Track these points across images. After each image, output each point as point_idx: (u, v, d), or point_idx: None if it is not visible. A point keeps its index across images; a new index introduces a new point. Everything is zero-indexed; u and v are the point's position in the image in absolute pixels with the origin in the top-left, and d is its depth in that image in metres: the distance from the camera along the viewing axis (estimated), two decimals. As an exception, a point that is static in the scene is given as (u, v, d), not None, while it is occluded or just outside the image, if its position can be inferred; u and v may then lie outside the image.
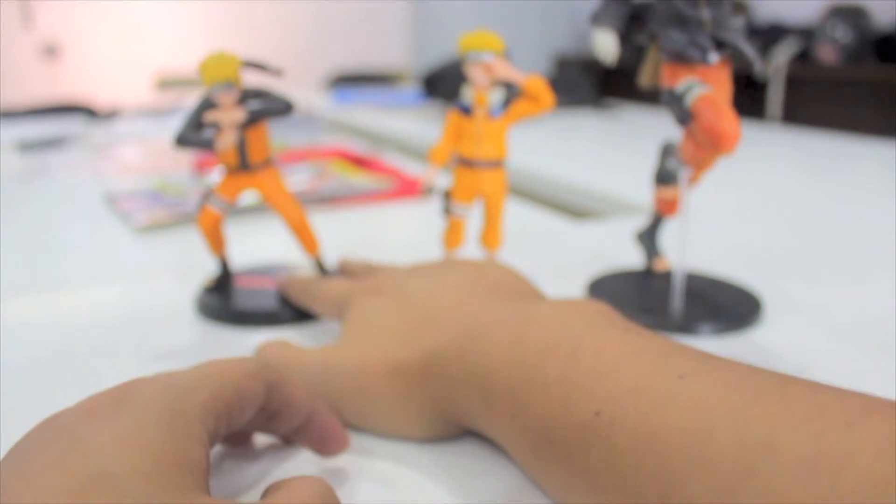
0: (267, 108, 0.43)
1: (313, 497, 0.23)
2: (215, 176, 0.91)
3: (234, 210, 0.46)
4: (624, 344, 0.26)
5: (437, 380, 0.30)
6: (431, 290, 0.35)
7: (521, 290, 0.36)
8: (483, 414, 0.28)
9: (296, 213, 0.47)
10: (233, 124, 0.42)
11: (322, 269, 0.49)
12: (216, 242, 0.48)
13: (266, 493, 0.24)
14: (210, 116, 0.42)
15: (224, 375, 0.26)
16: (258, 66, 0.43)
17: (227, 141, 0.42)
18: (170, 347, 0.45)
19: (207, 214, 0.46)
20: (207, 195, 0.46)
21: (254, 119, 0.43)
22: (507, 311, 0.30)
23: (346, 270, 0.49)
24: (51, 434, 0.23)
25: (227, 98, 0.42)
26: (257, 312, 0.47)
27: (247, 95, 0.43)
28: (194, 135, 0.42)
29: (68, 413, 0.25)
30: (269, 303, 0.48)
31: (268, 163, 0.46)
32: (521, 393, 0.26)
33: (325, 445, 0.30)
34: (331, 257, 0.52)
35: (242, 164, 0.44)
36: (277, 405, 0.28)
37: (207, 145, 0.42)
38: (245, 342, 0.44)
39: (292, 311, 0.47)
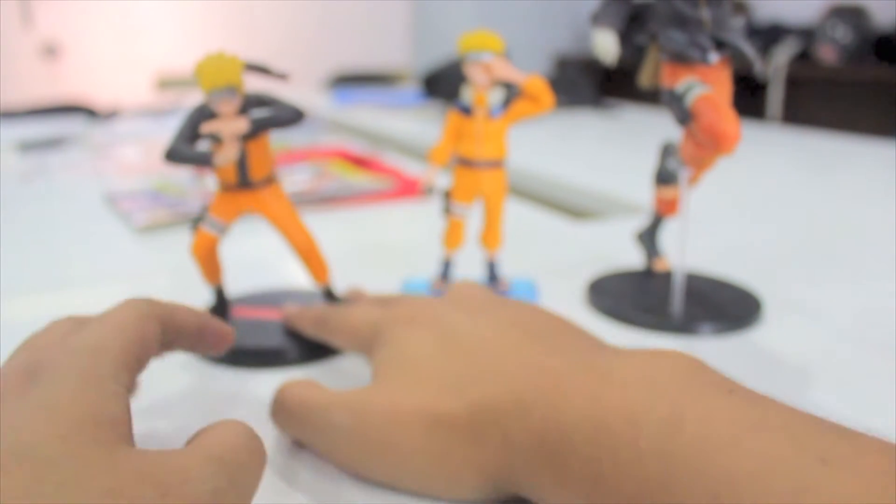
0: (274, 117, 0.38)
1: (237, 437, 0.24)
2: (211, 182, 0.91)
3: (229, 232, 0.41)
4: (734, 411, 0.22)
5: (488, 439, 0.25)
6: (480, 328, 0.30)
7: (579, 336, 0.31)
8: (549, 485, 0.24)
9: (303, 237, 0.42)
10: (234, 136, 0.37)
11: (333, 299, 0.44)
12: (211, 269, 0.43)
13: (191, 440, 0.24)
14: (208, 127, 0.37)
15: (125, 327, 0.27)
16: (262, 70, 0.39)
17: (228, 156, 0.37)
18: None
19: (202, 238, 0.41)
20: (201, 216, 0.41)
21: (258, 130, 0.38)
22: (578, 361, 0.26)
23: (357, 301, 0.43)
24: None
25: (227, 106, 0.37)
26: (261, 351, 0.41)
27: (249, 103, 0.38)
28: (188, 148, 0.37)
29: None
30: (274, 338, 0.42)
31: (271, 179, 0.41)
32: (606, 465, 0.22)
33: (217, 348, 0.34)
34: (332, 257, 0.52)
35: (242, 182, 0.39)
36: (173, 335, 0.31)
37: (204, 161, 0.37)
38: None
39: (301, 348, 0.41)
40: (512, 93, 0.46)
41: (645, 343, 0.45)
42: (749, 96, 2.34)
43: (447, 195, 0.49)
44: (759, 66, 0.42)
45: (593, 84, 1.61)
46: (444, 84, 1.50)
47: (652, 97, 0.50)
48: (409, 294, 0.41)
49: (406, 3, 3.58)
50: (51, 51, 3.12)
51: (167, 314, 0.30)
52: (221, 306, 0.45)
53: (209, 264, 0.43)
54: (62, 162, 1.08)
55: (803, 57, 2.32)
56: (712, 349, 0.44)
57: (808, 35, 2.31)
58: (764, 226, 0.73)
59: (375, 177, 0.90)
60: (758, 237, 0.68)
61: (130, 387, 0.25)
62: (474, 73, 0.45)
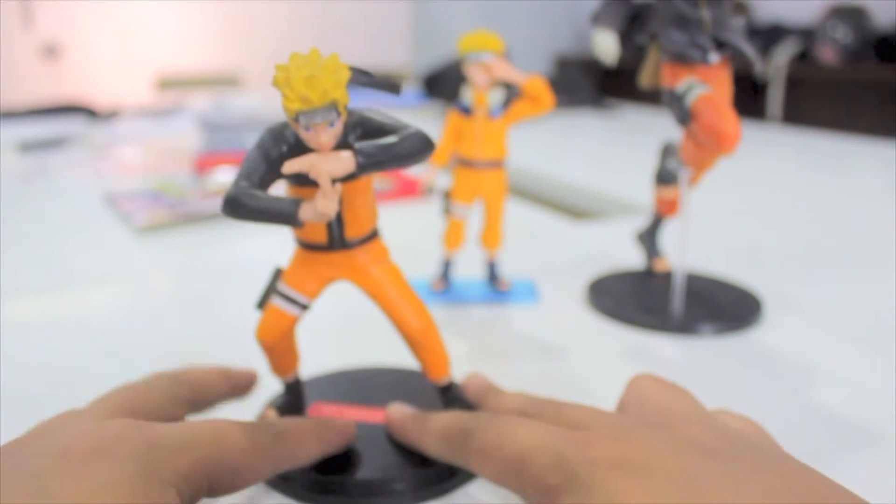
0: (393, 149, 0.26)
1: None
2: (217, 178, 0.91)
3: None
4: None
5: None
6: (748, 492, 0.21)
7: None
8: None
9: (417, 319, 0.30)
10: (332, 178, 0.26)
11: (452, 398, 0.32)
12: (284, 359, 0.31)
13: None
14: (295, 165, 0.26)
15: (214, 443, 0.23)
16: (368, 78, 0.28)
17: (323, 209, 0.26)
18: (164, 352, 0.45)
19: (274, 317, 0.30)
20: (273, 285, 0.30)
21: (369, 169, 0.26)
22: None
23: (485, 399, 0.32)
24: (17, 479, 0.20)
25: (325, 133, 0.26)
26: (358, 483, 0.29)
27: (348, 126, 0.27)
28: (258, 195, 0.26)
29: (41, 446, 0.22)
30: (376, 458, 0.30)
31: (373, 235, 0.30)
32: None
33: (246, 390, 0.35)
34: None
35: (335, 241, 0.29)
36: (202, 402, 0.31)
37: (285, 217, 0.26)
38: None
39: (416, 476, 0.29)
40: (512, 93, 0.46)
41: (645, 343, 0.45)
42: (749, 96, 2.34)
43: (447, 195, 0.49)
44: (759, 66, 0.42)
45: (593, 84, 1.61)
46: (444, 84, 1.50)
47: (652, 97, 0.50)
48: (575, 404, 0.28)
49: (406, 3, 3.58)
50: (51, 51, 3.12)
51: (190, 391, 0.30)
52: (295, 404, 0.33)
53: (282, 352, 0.31)
54: (62, 162, 1.08)
55: (803, 57, 2.32)
56: (712, 349, 0.44)
57: (808, 35, 2.31)
58: (764, 226, 0.73)
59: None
60: (758, 237, 0.68)
61: (189, 501, 0.22)
62: (474, 74, 0.45)
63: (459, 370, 0.42)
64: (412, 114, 1.57)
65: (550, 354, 0.43)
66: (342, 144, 0.27)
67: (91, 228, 0.74)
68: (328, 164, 0.26)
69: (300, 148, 0.27)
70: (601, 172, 0.98)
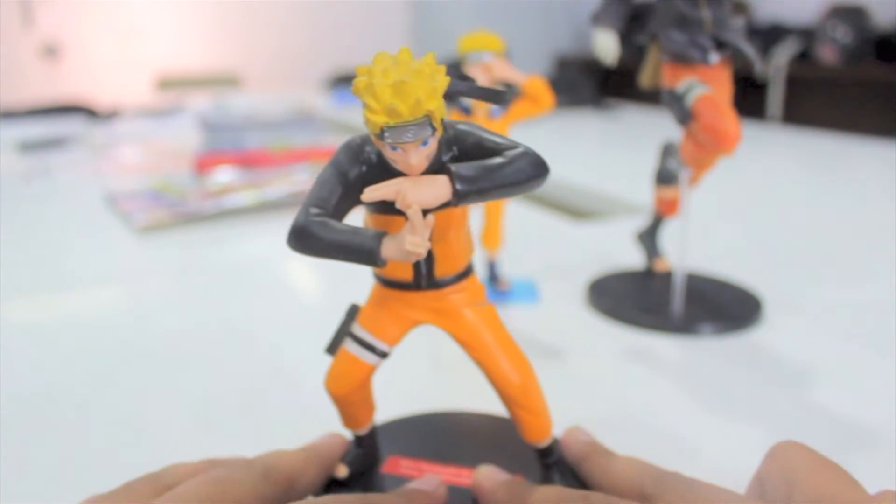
0: (500, 172, 0.22)
1: None
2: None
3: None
4: None
5: None
6: None
7: None
8: None
9: (515, 372, 0.26)
10: (423, 209, 0.22)
11: (551, 462, 0.28)
12: (359, 410, 0.28)
13: None
14: (378, 192, 0.22)
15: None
16: (468, 83, 0.24)
17: (417, 248, 0.21)
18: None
19: (351, 365, 0.26)
20: (348, 328, 0.26)
21: (470, 198, 0.22)
22: None
23: (590, 461, 0.27)
24: None
25: (416, 153, 0.21)
26: None
27: (446, 144, 0.23)
28: (332, 226, 0.22)
29: None
30: None
31: (468, 272, 0.26)
32: None
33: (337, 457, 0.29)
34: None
35: (423, 280, 0.25)
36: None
37: (365, 255, 0.22)
38: None
39: None
40: (512, 93, 0.46)
41: (645, 343, 0.45)
42: (749, 96, 2.34)
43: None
44: (759, 66, 0.42)
45: (593, 84, 1.61)
46: (444, 84, 1.50)
47: (652, 97, 0.50)
48: (705, 483, 0.23)
49: (406, 3, 3.58)
50: (51, 51, 3.12)
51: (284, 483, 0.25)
52: (368, 459, 0.29)
53: (356, 404, 0.27)
54: (62, 162, 1.08)
55: (803, 57, 2.32)
56: (712, 349, 0.44)
57: (808, 35, 2.31)
58: (764, 226, 0.72)
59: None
60: (758, 237, 0.68)
61: None
62: (474, 74, 0.45)
63: (460, 370, 0.42)
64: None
65: (550, 354, 0.43)
66: (435, 166, 0.22)
67: (91, 228, 0.74)
68: (419, 191, 0.21)
69: (383, 168, 0.22)
70: (601, 172, 0.98)
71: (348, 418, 0.28)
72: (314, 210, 0.22)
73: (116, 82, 3.21)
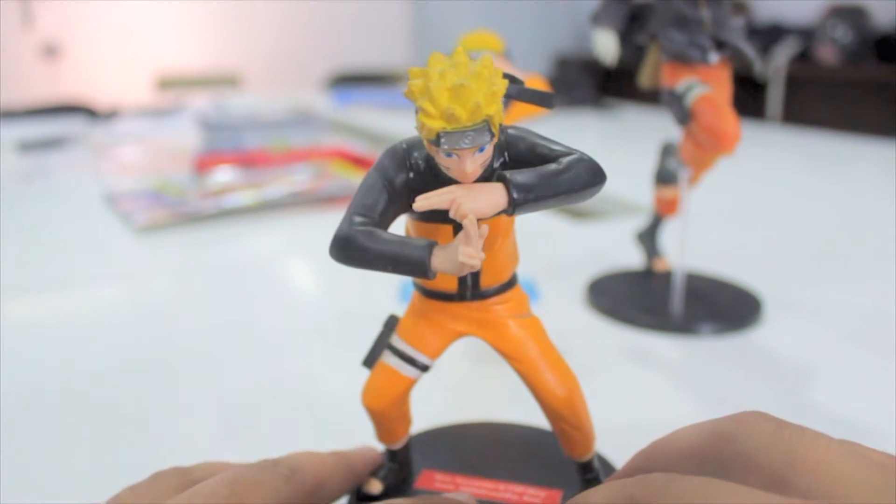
0: (562, 182, 0.21)
1: None
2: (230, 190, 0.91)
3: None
4: None
5: None
6: None
7: None
8: None
9: (561, 386, 0.25)
10: (477, 220, 0.21)
11: (592, 477, 0.27)
12: (396, 425, 0.27)
13: None
14: (433, 199, 0.21)
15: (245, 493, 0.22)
16: (521, 88, 0.23)
17: (472, 260, 0.20)
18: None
19: (390, 379, 0.25)
20: (386, 340, 0.25)
21: (525, 207, 0.21)
22: None
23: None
24: None
25: (471, 161, 0.21)
26: None
27: (497, 150, 0.22)
28: (378, 235, 0.21)
29: None
30: None
31: (513, 282, 0.25)
32: None
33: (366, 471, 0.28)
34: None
35: (468, 290, 0.24)
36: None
37: (416, 268, 0.21)
38: None
39: None
40: (512, 93, 0.46)
41: (645, 343, 0.45)
42: (749, 96, 2.34)
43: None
44: (758, 66, 0.42)
45: (593, 84, 1.61)
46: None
47: (652, 97, 0.50)
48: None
49: (406, 3, 3.58)
50: (51, 51, 3.12)
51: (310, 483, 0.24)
52: (402, 473, 0.28)
53: (393, 419, 0.26)
54: (62, 162, 1.08)
55: (803, 57, 2.32)
56: (712, 349, 0.44)
57: (808, 35, 2.31)
58: (764, 226, 0.72)
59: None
60: (758, 237, 0.68)
61: None
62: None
63: (459, 371, 0.42)
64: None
65: (550, 354, 0.43)
66: (486, 172, 0.21)
67: (91, 228, 0.74)
68: (475, 200, 0.20)
69: (431, 175, 0.21)
70: (601, 172, 0.98)
71: (384, 433, 0.27)
72: (358, 219, 0.21)
73: (116, 82, 3.21)
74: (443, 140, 0.20)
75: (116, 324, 0.50)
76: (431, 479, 0.28)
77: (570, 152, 0.22)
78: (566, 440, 0.26)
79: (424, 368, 0.25)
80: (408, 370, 0.25)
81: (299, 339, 0.47)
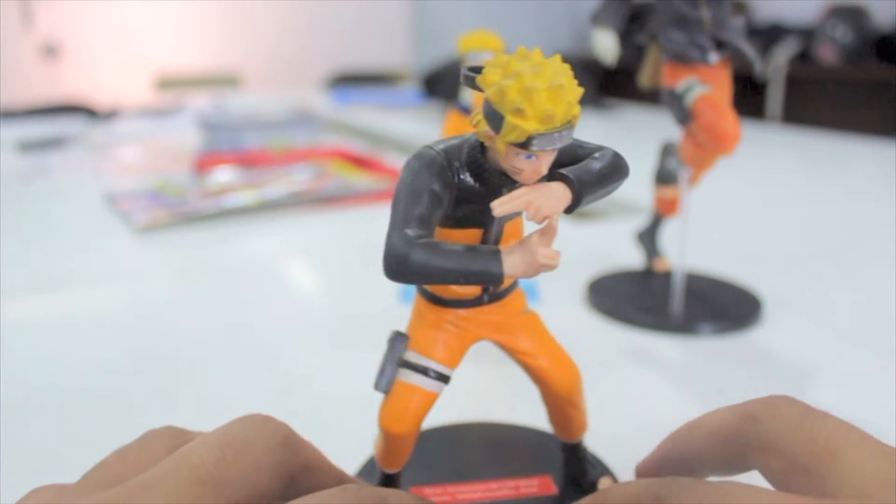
0: (607, 176, 0.22)
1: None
2: (229, 191, 0.91)
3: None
4: None
5: None
6: None
7: None
8: None
9: (570, 372, 0.26)
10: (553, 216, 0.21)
11: (578, 461, 0.28)
12: (410, 447, 0.25)
13: None
14: (511, 202, 0.20)
15: (241, 450, 0.21)
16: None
17: (554, 261, 0.21)
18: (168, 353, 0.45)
19: (414, 397, 0.24)
20: (398, 357, 0.24)
21: (583, 203, 0.22)
22: None
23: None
24: None
25: (547, 163, 0.21)
26: None
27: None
28: (446, 247, 0.20)
29: None
30: None
31: (516, 283, 0.26)
32: None
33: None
34: (332, 258, 0.52)
35: (486, 296, 0.24)
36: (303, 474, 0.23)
37: (490, 277, 0.20)
38: None
39: None
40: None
41: (645, 343, 0.45)
42: (749, 96, 2.34)
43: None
44: (758, 66, 0.42)
45: (593, 84, 1.61)
46: (443, 84, 1.50)
47: (652, 97, 0.50)
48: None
49: (406, 3, 3.58)
50: (51, 51, 3.12)
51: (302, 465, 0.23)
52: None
53: (412, 441, 0.25)
54: (62, 162, 1.08)
55: (803, 57, 2.32)
56: (712, 349, 0.44)
57: (808, 35, 2.32)
58: (764, 226, 0.72)
59: (375, 177, 0.90)
60: (757, 237, 0.68)
61: None
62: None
63: (459, 371, 0.42)
64: (412, 114, 1.57)
65: (550, 354, 0.43)
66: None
67: (91, 228, 0.74)
68: (549, 200, 0.20)
69: (474, 180, 0.21)
70: (601, 172, 0.98)
71: (396, 458, 0.25)
72: (411, 232, 0.20)
73: (116, 82, 3.21)
74: (535, 142, 0.19)
75: (116, 324, 0.50)
76: (424, 496, 0.28)
77: (600, 147, 0.23)
78: (567, 423, 0.27)
79: (446, 380, 0.24)
80: (431, 385, 0.24)
81: (299, 338, 0.47)
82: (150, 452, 0.23)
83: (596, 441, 0.31)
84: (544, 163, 0.20)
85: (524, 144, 0.19)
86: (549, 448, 0.30)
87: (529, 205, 0.20)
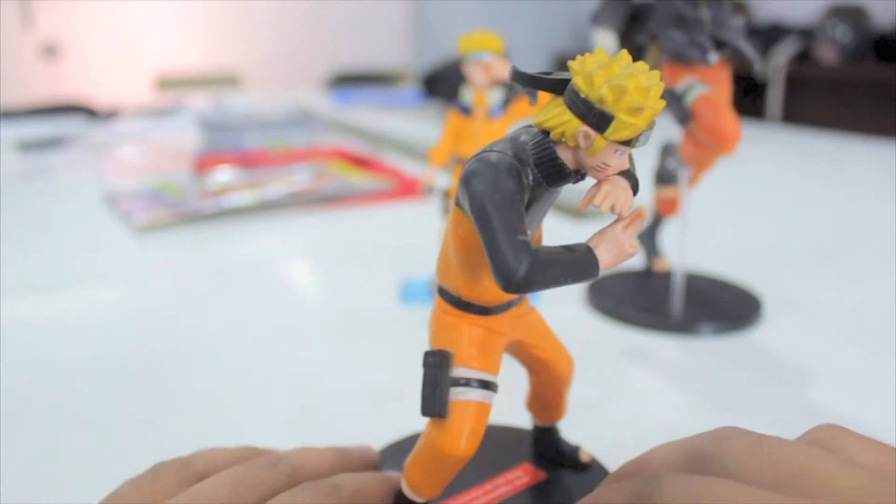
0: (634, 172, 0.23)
1: None
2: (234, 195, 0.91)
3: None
4: None
5: None
6: None
7: None
8: None
9: (569, 357, 0.28)
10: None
11: (554, 443, 0.29)
12: (450, 471, 0.24)
13: None
14: (597, 196, 0.21)
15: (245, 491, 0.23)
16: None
17: (636, 249, 0.22)
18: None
19: (480, 413, 0.23)
20: (450, 377, 0.23)
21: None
22: None
23: None
24: None
25: (626, 158, 0.21)
26: None
27: None
28: (548, 252, 0.20)
29: None
30: None
31: None
32: None
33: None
34: (332, 257, 0.52)
35: (517, 298, 0.25)
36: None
37: (592, 272, 0.21)
38: None
39: None
40: (511, 93, 0.46)
41: (644, 343, 0.45)
42: (749, 96, 2.34)
43: (447, 195, 0.49)
44: (758, 66, 0.42)
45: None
46: (443, 84, 1.50)
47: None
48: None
49: (406, 3, 3.58)
50: (51, 51, 3.12)
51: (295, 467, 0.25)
52: None
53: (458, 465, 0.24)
54: (62, 162, 1.08)
55: (803, 57, 2.32)
56: (712, 349, 0.44)
57: (808, 35, 2.31)
58: (764, 226, 0.73)
59: (375, 177, 0.90)
60: (758, 237, 0.68)
61: None
62: (474, 73, 0.45)
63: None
64: (412, 114, 1.57)
65: (550, 354, 0.43)
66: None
67: (91, 228, 0.74)
68: (627, 191, 0.21)
69: (542, 181, 0.21)
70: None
71: (443, 483, 0.24)
72: (521, 242, 0.20)
73: (116, 82, 3.21)
74: (640, 138, 0.20)
75: (116, 323, 0.50)
76: None
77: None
78: (560, 404, 0.28)
79: (497, 389, 0.24)
80: (489, 397, 0.23)
81: (299, 338, 0.47)
82: (162, 484, 0.24)
83: (596, 440, 0.31)
84: (627, 159, 0.21)
85: (629, 142, 0.20)
86: (510, 438, 0.31)
87: (617, 199, 0.21)
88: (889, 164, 1.02)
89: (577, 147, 0.21)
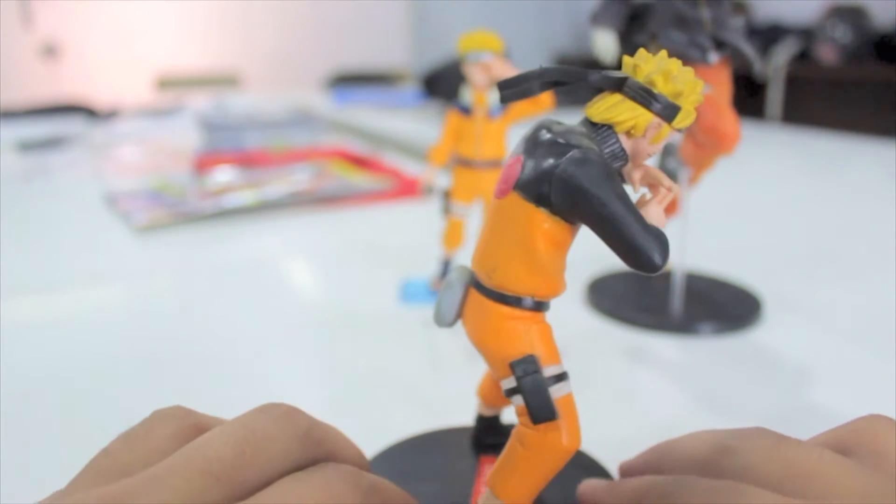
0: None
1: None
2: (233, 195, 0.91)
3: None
4: None
5: None
6: None
7: None
8: None
9: None
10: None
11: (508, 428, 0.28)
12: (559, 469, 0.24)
13: None
14: (646, 177, 0.24)
15: (253, 441, 0.20)
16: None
17: (664, 221, 0.23)
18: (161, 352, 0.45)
19: (574, 404, 0.24)
20: (545, 382, 0.23)
21: None
22: None
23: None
24: None
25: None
26: None
27: None
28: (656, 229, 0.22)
29: None
30: None
31: None
32: None
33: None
34: (332, 257, 0.52)
35: None
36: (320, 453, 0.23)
37: (653, 264, 0.22)
38: None
39: None
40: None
41: (644, 343, 0.45)
42: (749, 96, 2.34)
43: (447, 195, 0.49)
44: (758, 66, 0.42)
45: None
46: (443, 84, 1.50)
47: (652, 97, 0.50)
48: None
49: (406, 3, 3.58)
50: (51, 51, 3.12)
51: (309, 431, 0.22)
52: None
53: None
54: (62, 162, 1.08)
55: (803, 57, 2.32)
56: (712, 349, 0.44)
57: (808, 35, 2.31)
58: (764, 226, 0.73)
59: (375, 177, 0.90)
60: (758, 237, 0.68)
61: None
62: (474, 73, 0.45)
63: (459, 371, 0.42)
64: (412, 114, 1.57)
65: (550, 354, 0.43)
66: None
67: (91, 228, 0.74)
68: (660, 172, 0.24)
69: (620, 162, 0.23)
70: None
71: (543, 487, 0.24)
72: (652, 226, 0.21)
73: (116, 82, 3.21)
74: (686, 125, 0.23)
75: (116, 323, 0.50)
76: None
77: None
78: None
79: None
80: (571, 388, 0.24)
81: (299, 338, 0.47)
82: (156, 439, 0.22)
83: (596, 440, 0.31)
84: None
85: (682, 129, 0.23)
86: (466, 437, 0.31)
87: (659, 179, 0.23)
88: (889, 164, 1.02)
89: (638, 138, 0.23)
